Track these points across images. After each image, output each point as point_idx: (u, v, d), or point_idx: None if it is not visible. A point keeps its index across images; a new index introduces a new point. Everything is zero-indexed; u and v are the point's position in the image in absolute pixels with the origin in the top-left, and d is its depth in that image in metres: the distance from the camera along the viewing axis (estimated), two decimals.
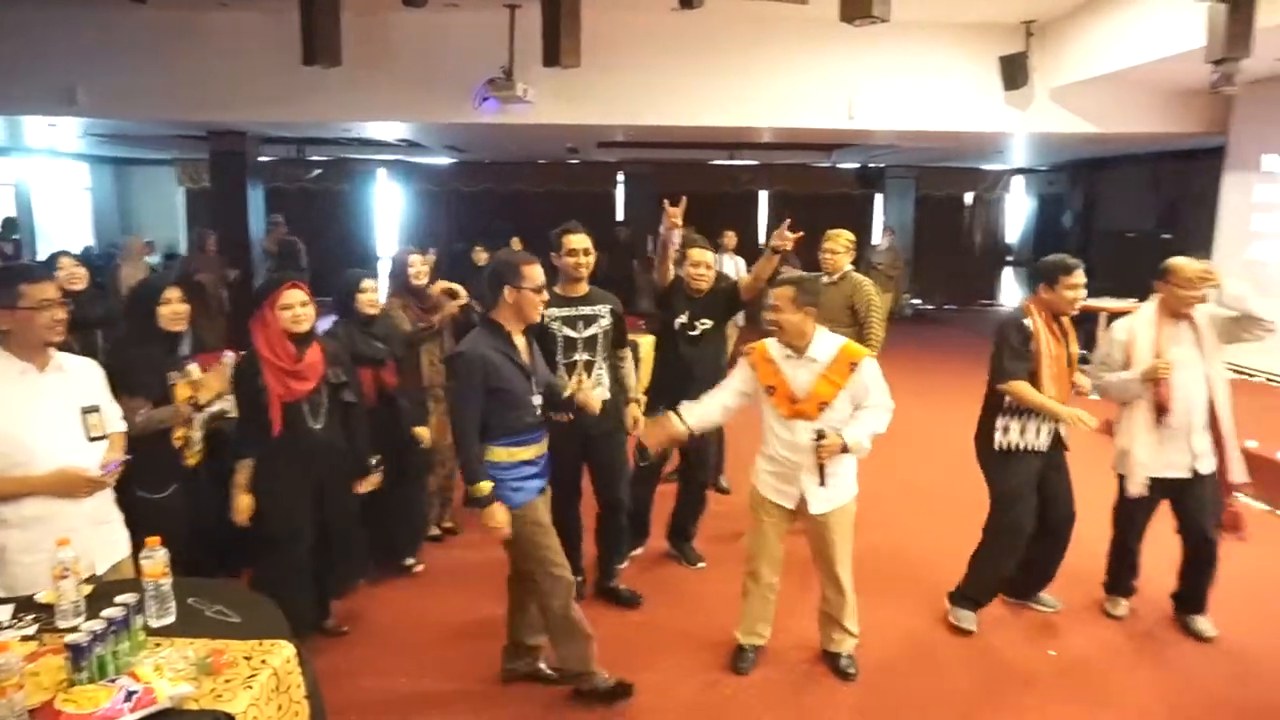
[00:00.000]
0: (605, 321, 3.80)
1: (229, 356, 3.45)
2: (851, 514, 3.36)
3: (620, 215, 14.78)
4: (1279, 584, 4.35)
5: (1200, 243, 8.79)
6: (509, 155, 14.30)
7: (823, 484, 3.21)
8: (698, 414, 3.40)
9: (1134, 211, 12.26)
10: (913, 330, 13.25)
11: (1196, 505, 3.69)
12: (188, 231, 14.17)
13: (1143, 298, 3.95)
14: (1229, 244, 8.38)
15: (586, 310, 3.77)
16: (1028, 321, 3.65)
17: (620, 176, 15.15)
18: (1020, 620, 3.96)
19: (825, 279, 4.85)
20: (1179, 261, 3.62)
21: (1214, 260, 8.38)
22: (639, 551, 4.53)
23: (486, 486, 2.92)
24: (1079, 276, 3.62)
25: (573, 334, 3.73)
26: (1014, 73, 8.19)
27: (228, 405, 3.39)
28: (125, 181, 15.25)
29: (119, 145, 12.56)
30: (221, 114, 8.32)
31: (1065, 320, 3.73)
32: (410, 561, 4.30)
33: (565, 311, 3.73)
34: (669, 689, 3.36)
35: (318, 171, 14.31)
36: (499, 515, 2.93)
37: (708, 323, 4.22)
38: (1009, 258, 16.12)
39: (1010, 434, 3.69)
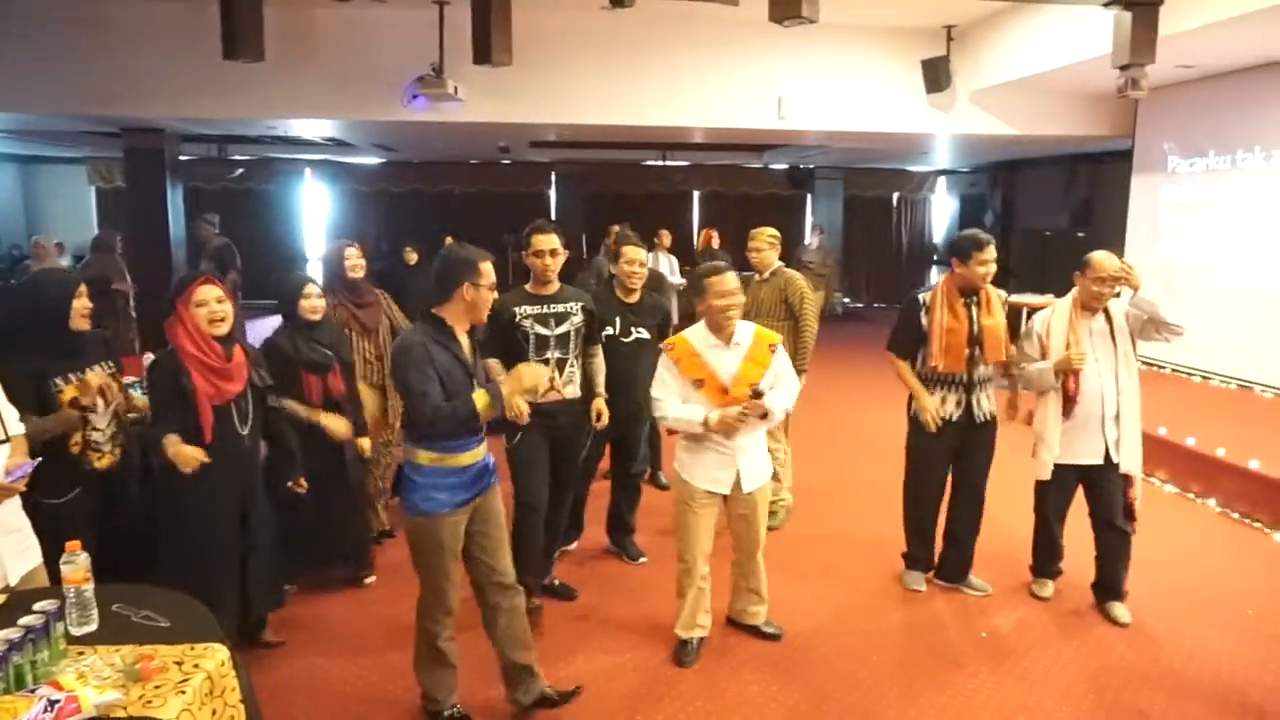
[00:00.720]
0: (578, 319, 3.80)
1: (150, 359, 3.33)
2: (769, 491, 3.56)
3: (553, 216, 14.72)
4: (1191, 563, 4.57)
5: (1112, 241, 9.18)
6: (440, 155, 14.11)
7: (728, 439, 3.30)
8: (678, 409, 3.40)
9: (1050, 211, 12.74)
10: (843, 328, 13.52)
11: (1105, 493, 3.86)
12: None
13: (1059, 293, 4.12)
14: (1138, 242, 8.77)
15: (558, 308, 3.76)
16: (923, 297, 3.91)
17: (553, 177, 15.10)
18: (951, 604, 4.08)
19: (756, 277, 4.95)
20: (1098, 256, 3.78)
21: (1125, 256, 8.81)
22: (573, 546, 4.55)
23: (481, 398, 2.77)
24: (989, 253, 3.79)
25: (545, 332, 3.72)
26: (936, 76, 8.44)
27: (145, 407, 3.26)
28: (31, 180, 14.54)
29: (24, 142, 11.99)
30: (136, 109, 8.00)
31: (985, 295, 3.86)
32: (363, 573, 4.20)
33: (537, 309, 3.72)
34: (614, 680, 3.38)
35: (240, 171, 13.89)
36: (509, 385, 2.85)
37: (642, 332, 4.20)
38: (935, 256, 16.58)
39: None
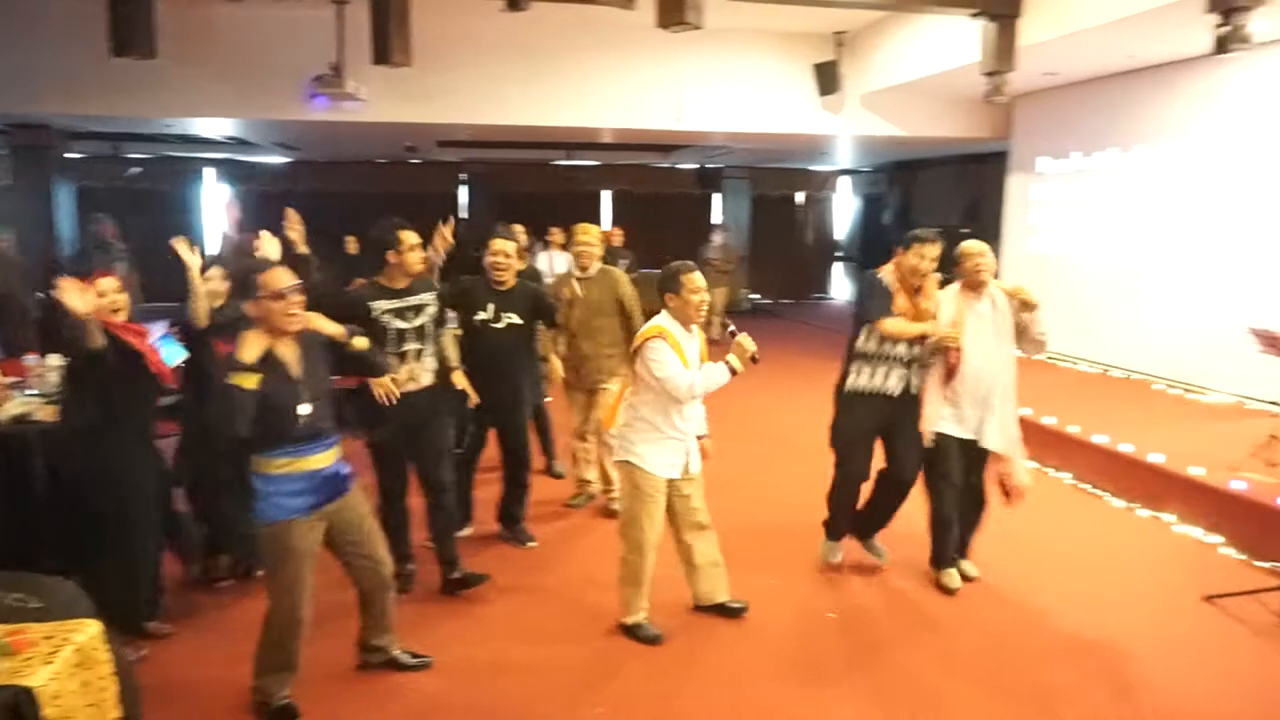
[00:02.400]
0: (432, 309, 3.94)
1: (32, 360, 3.36)
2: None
3: (464, 215, 14.73)
4: (1046, 532, 4.95)
5: (994, 237, 9.77)
6: (346, 154, 13.98)
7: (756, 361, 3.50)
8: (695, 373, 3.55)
9: (943, 209, 13.36)
10: (751, 324, 13.79)
11: (973, 471, 4.16)
12: None
13: (944, 285, 4.40)
14: (1014, 238, 9.35)
15: (413, 301, 3.88)
16: (884, 276, 4.08)
17: (463, 177, 15.10)
18: (870, 585, 4.30)
19: (578, 273, 5.01)
20: (965, 243, 4.14)
21: (1003, 251, 9.37)
22: (467, 532, 4.65)
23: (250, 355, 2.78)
24: (929, 249, 3.98)
25: (403, 325, 3.84)
26: (827, 79, 8.85)
27: (32, 408, 3.30)
28: None
29: None
30: (22, 105, 7.79)
31: (926, 287, 4.08)
32: (254, 565, 4.19)
33: (394, 304, 3.83)
34: (556, 664, 3.52)
35: (136, 170, 13.47)
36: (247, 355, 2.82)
37: (514, 317, 4.36)
38: (838, 253, 17.17)
39: (861, 377, 4.10)
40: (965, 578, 4.23)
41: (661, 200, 15.76)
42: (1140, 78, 7.52)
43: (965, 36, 6.74)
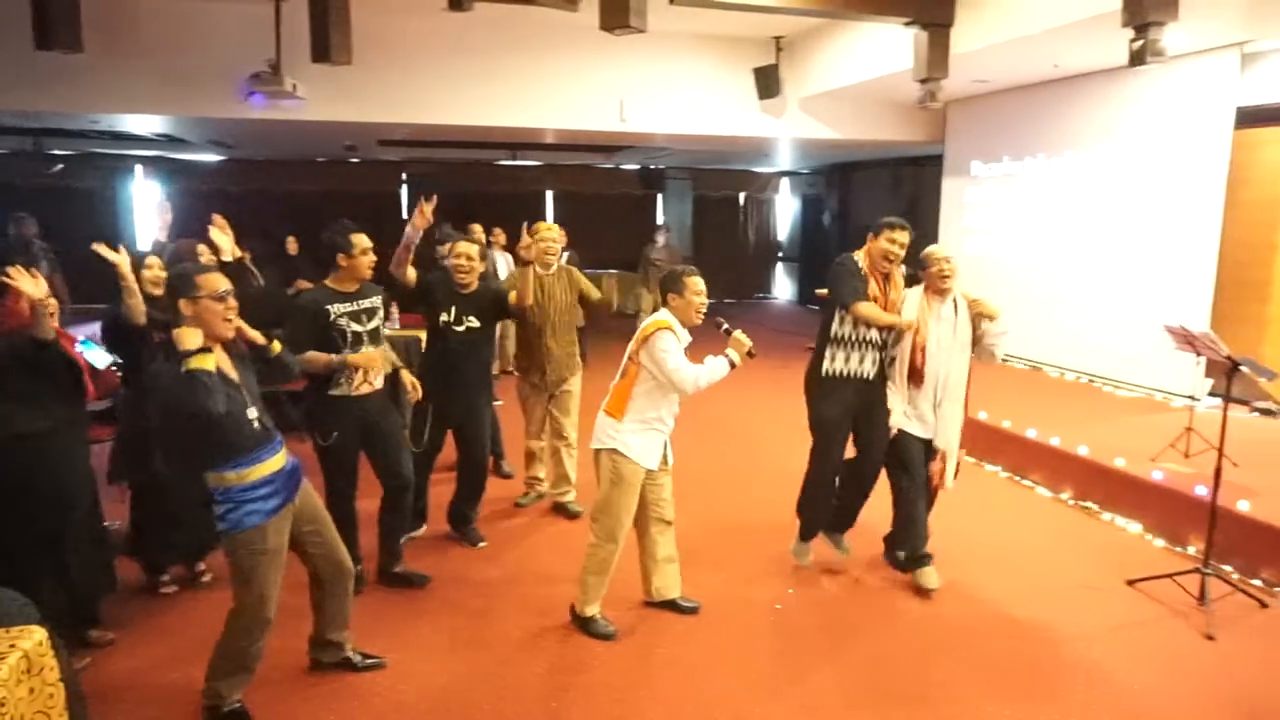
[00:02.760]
0: (381, 312, 3.98)
1: None
2: None
3: (405, 216, 14.57)
4: (979, 522, 5.15)
5: (930, 238, 10.05)
6: (284, 153, 13.71)
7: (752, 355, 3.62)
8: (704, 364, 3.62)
9: (879, 210, 13.56)
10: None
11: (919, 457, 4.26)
12: None
13: None
14: (948, 239, 9.62)
15: (366, 304, 3.89)
16: (857, 256, 4.15)
17: (404, 176, 14.94)
18: (835, 580, 4.43)
19: (541, 271, 4.95)
20: (929, 249, 4.23)
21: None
22: (420, 532, 4.68)
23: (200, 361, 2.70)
24: (900, 235, 4.08)
25: (358, 328, 3.83)
26: (767, 83, 9.00)
27: None
28: None
29: None
30: None
31: (894, 276, 4.17)
32: (201, 570, 4.15)
33: (349, 307, 3.83)
34: (503, 661, 3.54)
35: (59, 167, 13.00)
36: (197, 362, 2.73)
37: (473, 320, 4.40)
38: (780, 254, 17.43)
39: (837, 361, 4.16)
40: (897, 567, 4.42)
41: (605, 201, 15.80)
42: (1066, 86, 7.84)
43: (901, 44, 6.93)
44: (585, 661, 3.55)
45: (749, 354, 3.62)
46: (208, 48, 7.68)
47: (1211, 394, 6.56)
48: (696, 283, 3.66)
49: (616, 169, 15.72)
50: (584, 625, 3.74)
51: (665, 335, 3.56)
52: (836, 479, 4.37)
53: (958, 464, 4.30)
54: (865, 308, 4.03)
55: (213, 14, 7.52)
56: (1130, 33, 4.96)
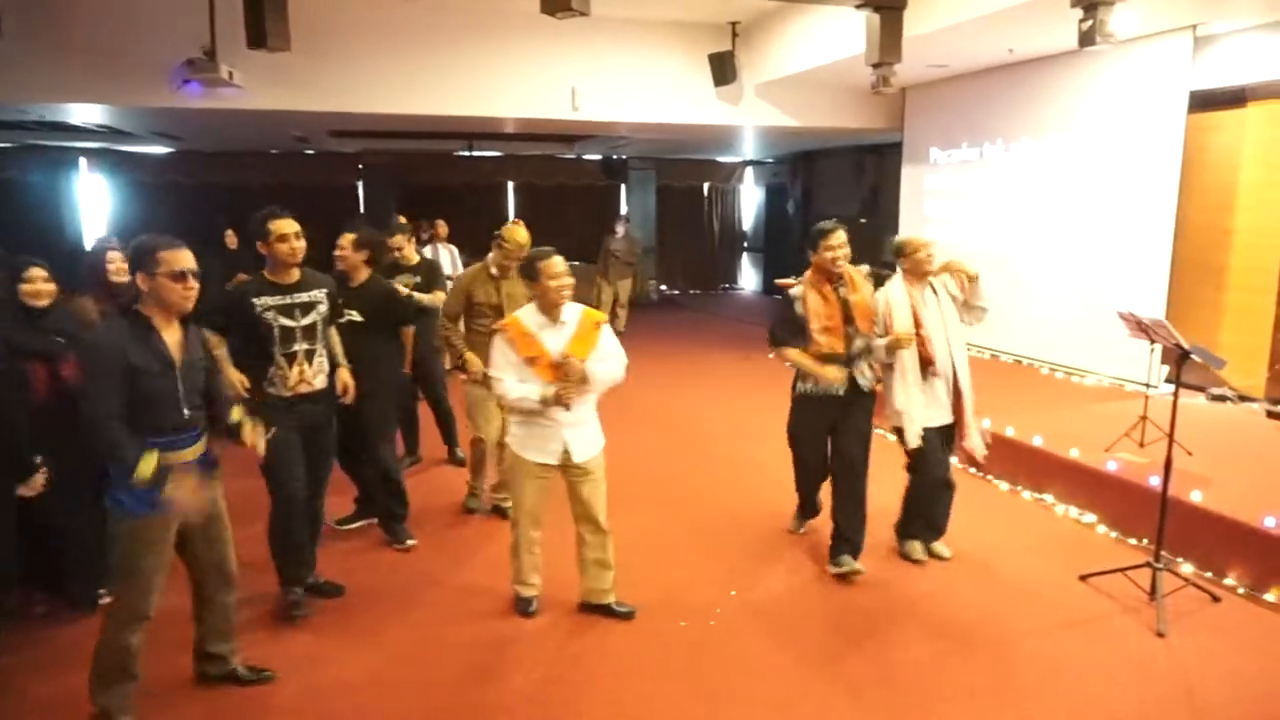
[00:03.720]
0: (324, 307, 3.70)
1: None
2: (603, 461, 3.73)
3: (362, 207, 14.29)
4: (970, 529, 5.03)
5: (892, 226, 9.96)
6: (234, 145, 13.33)
7: (567, 408, 3.48)
8: (516, 389, 3.55)
9: (843, 199, 13.57)
10: (659, 315, 13.92)
11: (942, 449, 4.31)
12: None
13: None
14: (908, 227, 9.53)
15: (303, 297, 3.63)
16: (794, 292, 4.15)
17: (360, 168, 14.62)
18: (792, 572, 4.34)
19: (495, 272, 4.77)
20: (904, 237, 4.30)
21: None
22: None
23: (148, 467, 2.64)
24: (835, 239, 4.05)
25: (290, 323, 3.58)
26: (723, 70, 8.82)
27: None
28: None
29: None
30: None
31: (848, 275, 4.13)
32: (100, 592, 3.87)
33: (280, 300, 3.58)
34: (449, 647, 3.40)
35: None
36: (178, 490, 2.71)
37: (354, 315, 4.17)
38: (745, 244, 17.31)
39: (808, 382, 4.21)
40: (938, 557, 4.43)
41: (567, 192, 15.58)
42: (1021, 71, 7.74)
43: (856, 28, 6.76)
44: (505, 672, 3.39)
45: (582, 380, 3.49)
46: (139, 33, 7.37)
47: (1168, 381, 6.52)
48: (552, 265, 3.53)
49: (578, 159, 15.49)
50: (514, 602, 3.83)
51: (496, 339, 3.60)
52: (819, 479, 4.51)
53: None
54: (790, 353, 4.11)
55: None
56: (1080, 13, 4.86)
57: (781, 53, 8.50)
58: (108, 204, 13.72)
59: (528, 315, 3.59)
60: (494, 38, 8.28)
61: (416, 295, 5.38)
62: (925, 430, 4.19)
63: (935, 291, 4.27)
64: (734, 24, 8.87)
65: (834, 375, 4.05)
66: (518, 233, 4.69)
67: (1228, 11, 5.99)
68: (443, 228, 8.78)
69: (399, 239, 5.57)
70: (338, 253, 4.29)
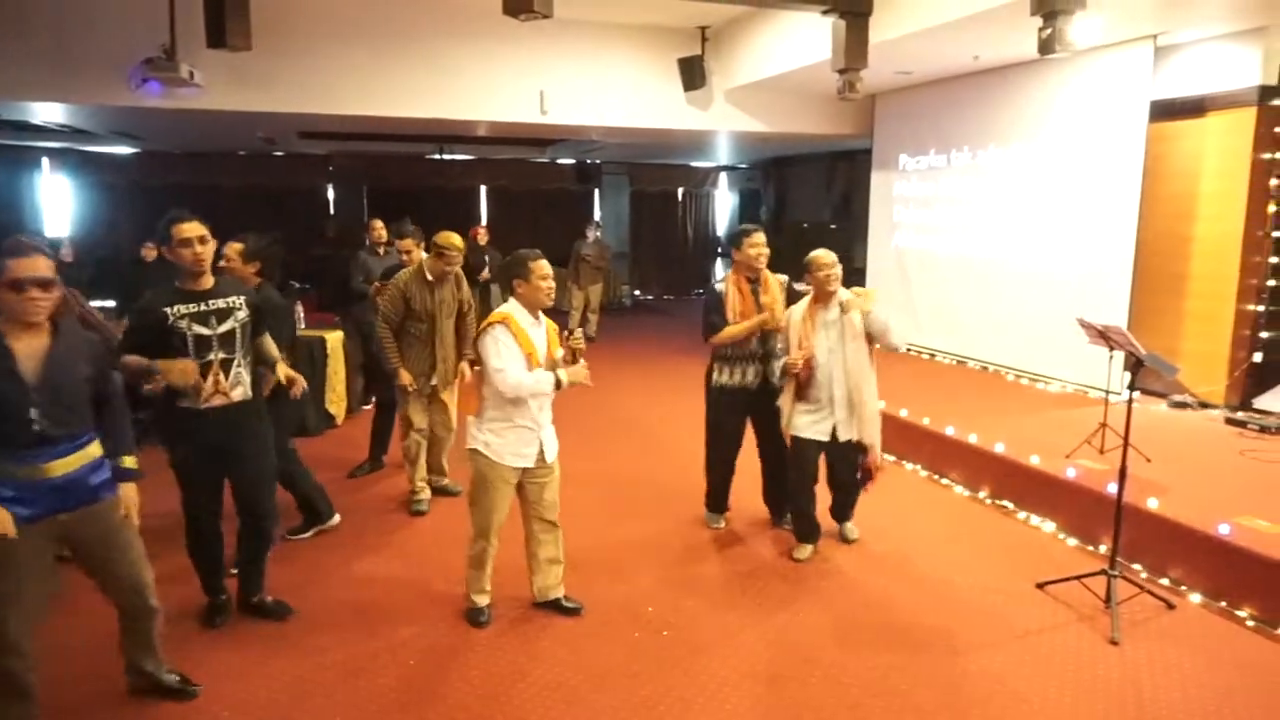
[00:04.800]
0: (242, 314, 3.52)
1: None
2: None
3: (332, 210, 14.15)
4: (893, 521, 5.02)
5: (862, 233, 9.99)
6: (198, 146, 13.14)
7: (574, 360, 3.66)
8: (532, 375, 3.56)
9: (814, 205, 13.64)
10: (633, 320, 13.88)
11: (839, 462, 4.45)
12: None
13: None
14: (878, 233, 9.57)
15: (219, 304, 3.45)
16: (719, 286, 4.57)
17: (330, 170, 14.48)
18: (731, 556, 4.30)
19: (431, 277, 4.99)
20: (815, 253, 4.33)
21: (869, 246, 9.58)
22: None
23: None
24: (757, 238, 4.47)
25: (205, 331, 3.40)
26: (692, 74, 8.80)
27: None
28: None
29: None
30: None
31: (764, 278, 4.47)
32: None
33: (191, 307, 3.39)
34: (402, 651, 3.30)
35: None
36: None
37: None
38: (719, 249, 17.31)
39: (723, 375, 4.58)
40: (847, 540, 4.70)
41: (540, 196, 15.51)
42: (987, 79, 7.78)
43: (824, 34, 6.78)
44: (446, 679, 3.33)
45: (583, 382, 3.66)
46: (98, 32, 7.24)
47: (1131, 388, 6.54)
48: (542, 266, 3.58)
49: (551, 163, 15.42)
50: (467, 613, 3.81)
51: (496, 330, 3.51)
52: (729, 469, 4.80)
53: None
54: (725, 333, 4.47)
55: None
56: (1040, 22, 4.87)
57: (751, 58, 8.49)
58: (70, 205, 13.49)
59: (518, 313, 3.57)
60: (461, 40, 8.21)
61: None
62: (801, 439, 4.39)
63: (842, 315, 4.26)
64: (703, 29, 8.86)
65: (794, 357, 4.26)
66: (454, 239, 4.88)
67: (1188, 22, 6.05)
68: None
69: (408, 242, 5.67)
70: (223, 264, 4.04)
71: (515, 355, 3.49)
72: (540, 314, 3.67)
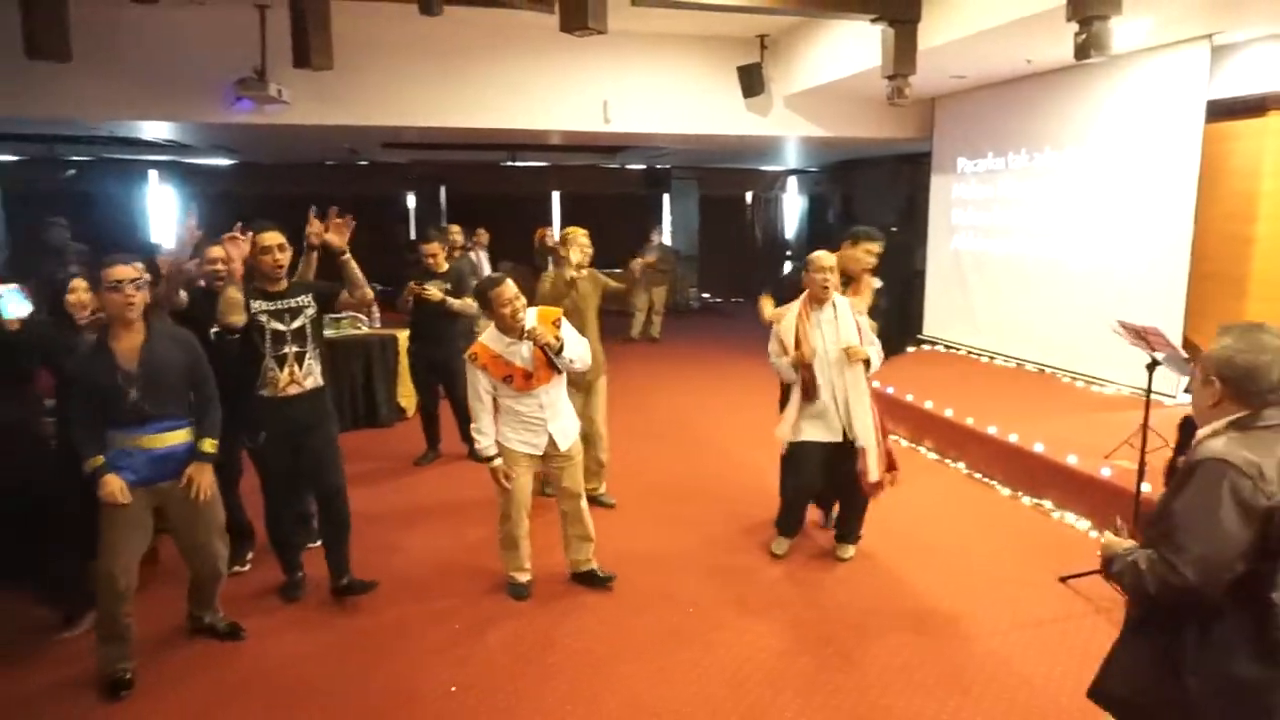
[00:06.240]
0: (311, 311, 3.95)
1: None
2: (580, 445, 4.15)
3: (412, 216, 14.82)
4: (933, 518, 5.15)
5: (923, 236, 10.01)
6: (291, 157, 13.95)
7: (560, 354, 3.85)
8: (490, 436, 3.92)
9: (880, 209, 13.59)
10: (698, 321, 14.13)
11: (846, 466, 4.35)
12: None
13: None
14: (937, 236, 9.58)
15: (291, 303, 3.90)
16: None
17: (410, 178, 15.16)
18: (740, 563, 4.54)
19: (571, 274, 5.09)
20: (815, 254, 4.34)
21: (928, 249, 9.60)
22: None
23: (95, 461, 3.15)
24: (822, 260, 4.31)
25: (281, 327, 3.84)
26: (750, 82, 9.00)
27: None
28: None
29: None
30: None
31: (865, 280, 4.57)
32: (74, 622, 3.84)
33: (272, 305, 3.85)
34: (442, 619, 3.66)
35: (71, 172, 13.37)
36: (111, 485, 3.14)
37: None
38: (788, 252, 17.37)
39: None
40: (841, 559, 4.56)
41: (610, 201, 15.88)
42: (1042, 81, 7.75)
43: (878, 40, 6.90)
44: (485, 640, 3.69)
45: (557, 344, 3.86)
46: (198, 55, 7.87)
47: (1186, 391, 6.46)
48: (502, 293, 3.80)
49: (621, 169, 15.78)
50: (509, 587, 4.16)
51: (468, 366, 3.90)
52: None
53: (887, 455, 4.36)
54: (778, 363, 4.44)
55: (199, 22, 7.71)
56: (1075, 27, 4.93)
57: (809, 64, 8.63)
58: (174, 213, 14.50)
59: (490, 339, 3.88)
60: (526, 53, 8.60)
61: (449, 300, 5.85)
62: (805, 443, 4.34)
63: (836, 311, 4.27)
64: (762, 37, 9.05)
65: (802, 354, 4.24)
66: (579, 233, 5.21)
67: (1243, 21, 5.96)
68: (483, 235, 9.19)
69: (434, 246, 6.02)
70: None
71: (486, 387, 3.87)
72: (525, 320, 3.81)
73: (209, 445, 3.36)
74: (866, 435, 4.25)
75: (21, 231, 10.26)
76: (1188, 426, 3.57)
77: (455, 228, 7.96)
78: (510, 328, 3.82)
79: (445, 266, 6.08)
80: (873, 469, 4.25)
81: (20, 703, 3.22)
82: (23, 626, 3.73)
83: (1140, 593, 1.98)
